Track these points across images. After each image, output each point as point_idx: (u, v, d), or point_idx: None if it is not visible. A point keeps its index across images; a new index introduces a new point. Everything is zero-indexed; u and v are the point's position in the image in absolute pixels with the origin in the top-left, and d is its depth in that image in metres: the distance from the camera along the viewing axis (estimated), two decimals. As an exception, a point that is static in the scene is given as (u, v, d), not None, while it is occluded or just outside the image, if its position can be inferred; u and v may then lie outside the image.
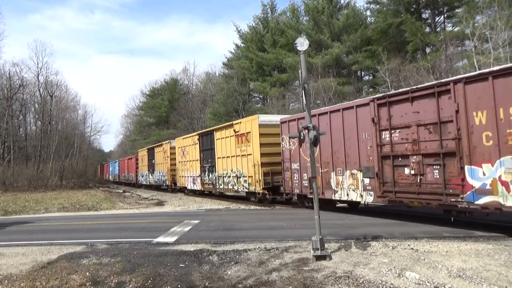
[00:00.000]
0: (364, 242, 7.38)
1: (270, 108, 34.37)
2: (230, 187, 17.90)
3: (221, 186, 18.74)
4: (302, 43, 6.47)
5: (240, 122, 16.89)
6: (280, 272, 5.59)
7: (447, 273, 5.23)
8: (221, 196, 21.09)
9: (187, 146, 22.89)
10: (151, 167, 31.72)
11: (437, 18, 30.64)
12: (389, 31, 29.31)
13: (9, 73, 38.13)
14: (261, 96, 43.50)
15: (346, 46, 31.84)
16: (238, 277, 5.50)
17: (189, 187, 23.08)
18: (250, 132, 15.75)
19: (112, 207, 18.16)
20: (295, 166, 13.30)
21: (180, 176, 24.50)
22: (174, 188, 26.48)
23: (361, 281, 5.03)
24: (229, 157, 17.72)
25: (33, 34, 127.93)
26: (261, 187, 15.17)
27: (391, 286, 4.84)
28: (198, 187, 21.75)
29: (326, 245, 6.57)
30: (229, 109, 39.33)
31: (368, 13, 34.92)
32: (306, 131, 6.59)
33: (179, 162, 24.41)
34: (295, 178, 13.28)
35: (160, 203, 19.97)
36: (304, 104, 6.65)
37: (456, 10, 28.30)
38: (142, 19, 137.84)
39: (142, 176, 35.23)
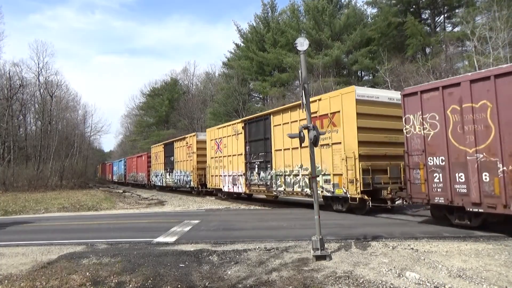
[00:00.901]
0: (364, 242, 7.38)
1: (270, 108, 34.31)
2: (297, 189, 13.56)
3: (281, 188, 14.40)
4: (302, 43, 6.46)
5: (320, 99, 12.57)
6: (280, 272, 5.59)
7: (447, 273, 5.23)
8: (277, 202, 16.69)
9: (224, 138, 18.92)
10: (169, 165, 27.13)
11: (437, 18, 30.69)
12: (389, 31, 29.33)
13: (9, 73, 38.22)
14: (261, 96, 43.54)
15: (346, 46, 31.87)
16: (238, 277, 5.50)
17: (225, 189, 18.73)
18: (339, 111, 11.69)
19: (112, 207, 18.15)
20: (435, 161, 8.69)
21: (212, 176, 20.20)
22: (201, 190, 22.41)
23: (361, 281, 5.03)
24: (296, 148, 13.39)
25: (33, 34, 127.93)
26: (358, 190, 10.80)
27: (391, 286, 4.84)
28: (241, 189, 17.32)
29: (326, 245, 6.57)
30: (229, 109, 39.36)
31: (369, 10, 35.02)
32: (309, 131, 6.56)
33: (212, 158, 20.19)
34: (435, 179, 8.67)
35: (160, 203, 19.97)
36: (304, 104, 6.65)
37: (456, 10, 28.37)
38: (143, 19, 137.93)
39: (157, 176, 30.56)
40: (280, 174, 14.48)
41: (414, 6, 30.06)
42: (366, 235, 7.93)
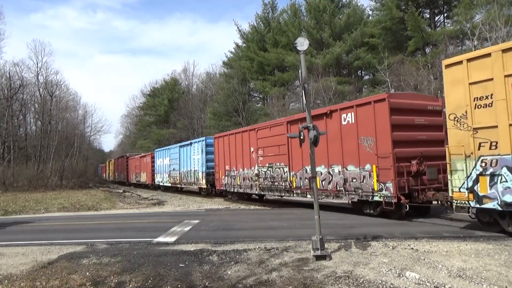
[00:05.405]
0: (364, 242, 7.39)
1: (270, 108, 34.38)
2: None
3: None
4: (302, 43, 6.46)
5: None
6: (280, 272, 5.59)
7: (447, 273, 5.23)
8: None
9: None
10: None
11: (436, 18, 30.69)
12: (391, 26, 29.17)
13: (9, 73, 38.20)
14: (261, 96, 43.53)
15: (347, 45, 31.82)
16: (238, 277, 5.50)
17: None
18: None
19: (112, 207, 18.15)
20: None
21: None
22: None
23: (361, 281, 5.03)
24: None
25: (35, 33, 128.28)
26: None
27: (391, 286, 4.84)
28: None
29: (326, 245, 6.57)
30: (229, 109, 39.34)
31: (371, 3, 34.90)
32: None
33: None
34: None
35: (160, 203, 19.96)
36: (304, 104, 6.65)
37: (454, 7, 28.31)
38: (145, 18, 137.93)
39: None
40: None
41: (414, 5, 29.95)
42: (366, 235, 7.93)
